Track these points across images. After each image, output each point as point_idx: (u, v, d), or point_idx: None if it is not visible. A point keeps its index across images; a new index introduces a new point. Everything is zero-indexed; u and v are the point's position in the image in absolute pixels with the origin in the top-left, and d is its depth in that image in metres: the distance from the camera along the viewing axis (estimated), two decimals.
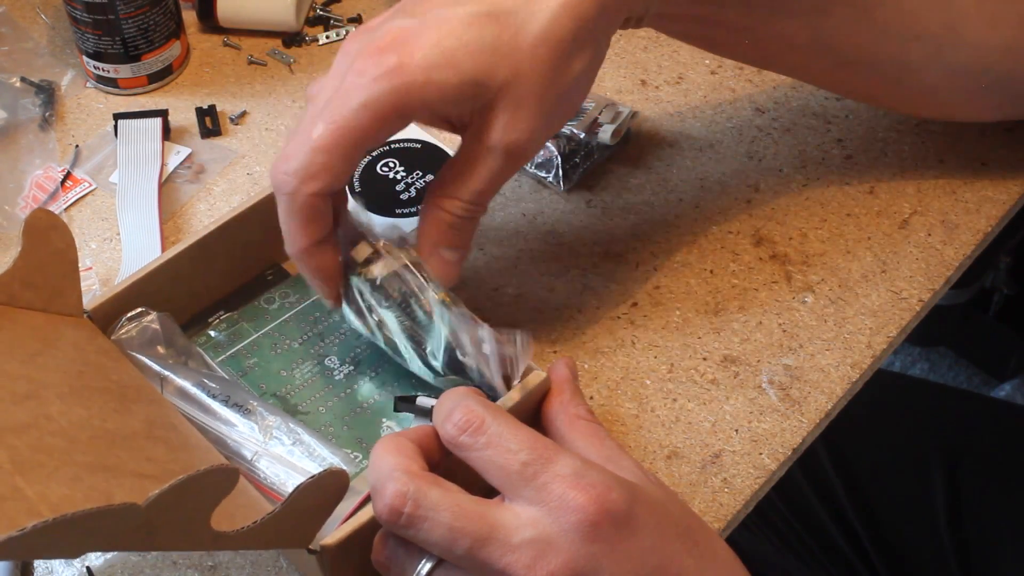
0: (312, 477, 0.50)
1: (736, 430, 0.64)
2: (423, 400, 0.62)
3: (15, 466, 0.47)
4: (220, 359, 0.66)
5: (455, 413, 0.51)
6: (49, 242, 0.60)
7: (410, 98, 0.55)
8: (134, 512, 0.44)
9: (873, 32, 0.65)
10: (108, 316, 0.63)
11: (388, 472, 0.50)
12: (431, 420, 0.61)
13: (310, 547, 0.53)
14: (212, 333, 0.67)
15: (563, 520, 0.47)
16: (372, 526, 0.54)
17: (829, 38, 0.66)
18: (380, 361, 0.66)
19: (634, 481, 0.51)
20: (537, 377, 0.59)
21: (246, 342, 0.67)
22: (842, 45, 0.66)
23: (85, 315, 0.63)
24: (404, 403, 0.63)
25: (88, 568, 0.60)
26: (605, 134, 0.75)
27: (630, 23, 0.62)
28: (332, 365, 0.66)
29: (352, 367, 0.66)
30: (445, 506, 0.49)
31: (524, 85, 0.56)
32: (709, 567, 0.50)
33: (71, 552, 0.44)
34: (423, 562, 0.50)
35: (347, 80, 0.56)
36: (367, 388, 0.65)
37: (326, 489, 0.51)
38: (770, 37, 0.66)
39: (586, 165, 0.75)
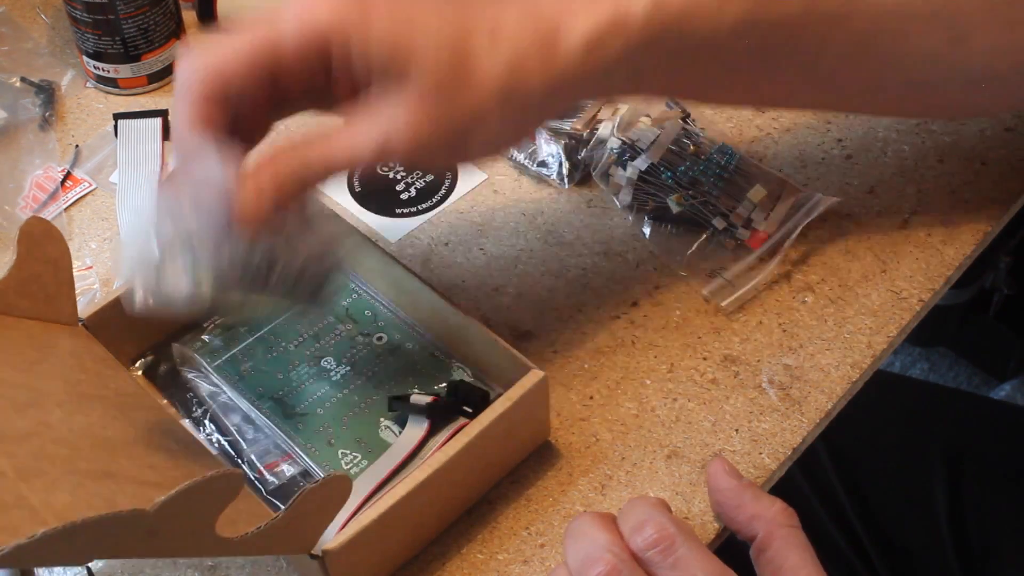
0: (315, 482, 0.50)
1: (736, 430, 0.64)
2: (416, 398, 0.62)
3: (18, 474, 0.47)
4: (216, 363, 0.66)
5: (647, 527, 0.53)
6: (43, 251, 0.60)
7: (338, 34, 0.53)
8: (141, 518, 0.44)
9: (876, 64, 0.63)
10: (102, 324, 0.63)
11: (605, 545, 0.52)
12: (426, 418, 0.62)
13: (312, 552, 0.53)
14: (207, 338, 0.67)
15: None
16: (373, 529, 0.54)
17: (827, 82, 0.64)
18: (376, 361, 0.66)
19: None
20: (535, 376, 0.59)
21: (241, 346, 0.67)
22: (844, 83, 0.64)
23: (80, 324, 0.63)
24: (398, 402, 0.63)
25: (88, 569, 0.60)
26: (605, 131, 0.75)
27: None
28: (328, 366, 0.66)
29: (349, 367, 0.66)
30: None
31: (446, 97, 0.54)
32: None
33: (77, 559, 0.44)
34: None
35: None
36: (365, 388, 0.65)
37: (328, 495, 0.51)
38: (770, 91, 0.65)
39: (588, 163, 0.75)
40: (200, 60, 0.54)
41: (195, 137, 0.54)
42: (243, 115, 0.56)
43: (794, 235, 0.71)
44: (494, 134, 0.56)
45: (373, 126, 0.54)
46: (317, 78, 0.56)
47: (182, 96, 0.54)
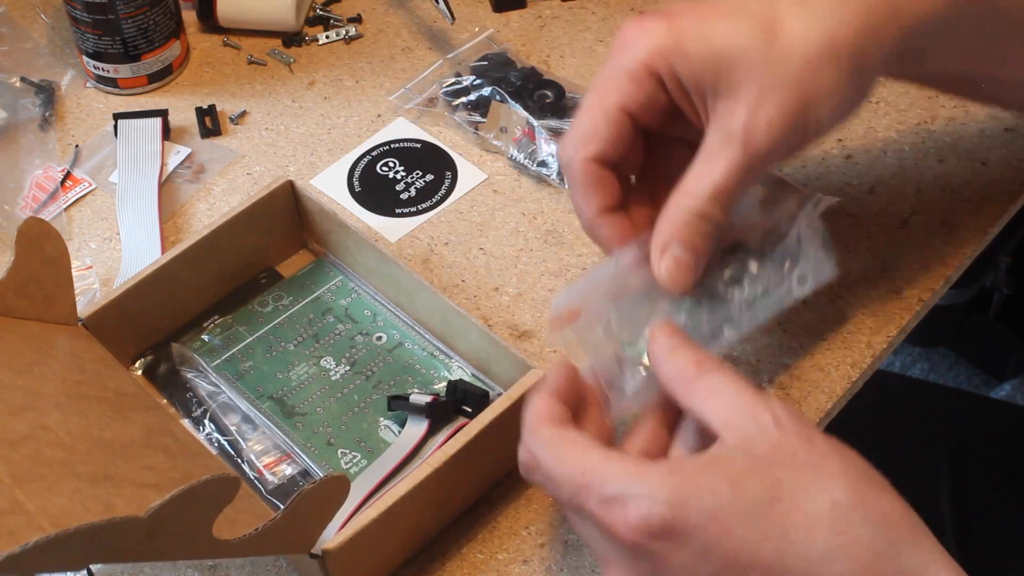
0: (312, 483, 0.50)
1: None
2: (416, 398, 0.62)
3: (14, 479, 0.46)
4: (215, 363, 0.66)
5: (520, 454, 0.53)
6: (42, 251, 0.60)
7: (660, 61, 0.55)
8: (135, 524, 0.43)
9: None
10: (102, 324, 0.63)
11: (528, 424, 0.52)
12: (425, 417, 0.62)
13: (312, 551, 0.53)
14: (206, 338, 0.67)
15: (609, 542, 0.49)
16: (373, 529, 0.54)
17: None
18: (376, 360, 0.66)
19: (707, 469, 0.49)
20: (535, 376, 0.59)
21: (241, 345, 0.67)
22: None
23: (80, 323, 0.63)
24: (398, 402, 0.63)
25: (88, 570, 0.60)
26: None
27: (904, 65, 0.59)
28: (328, 366, 0.66)
29: (348, 367, 0.66)
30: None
31: (775, 73, 0.53)
32: (801, 541, 0.47)
33: (73, 565, 0.44)
34: None
35: (611, 48, 0.57)
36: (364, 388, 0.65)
37: (327, 494, 0.51)
38: None
39: None
40: (574, 154, 0.57)
41: (603, 226, 0.58)
42: (627, 162, 0.59)
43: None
44: (838, 96, 0.55)
45: (728, 141, 0.55)
46: (669, 108, 0.57)
47: (576, 193, 0.58)
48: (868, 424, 0.89)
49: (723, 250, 0.59)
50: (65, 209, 0.77)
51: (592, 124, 0.57)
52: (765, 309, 0.59)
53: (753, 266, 0.59)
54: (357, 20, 0.88)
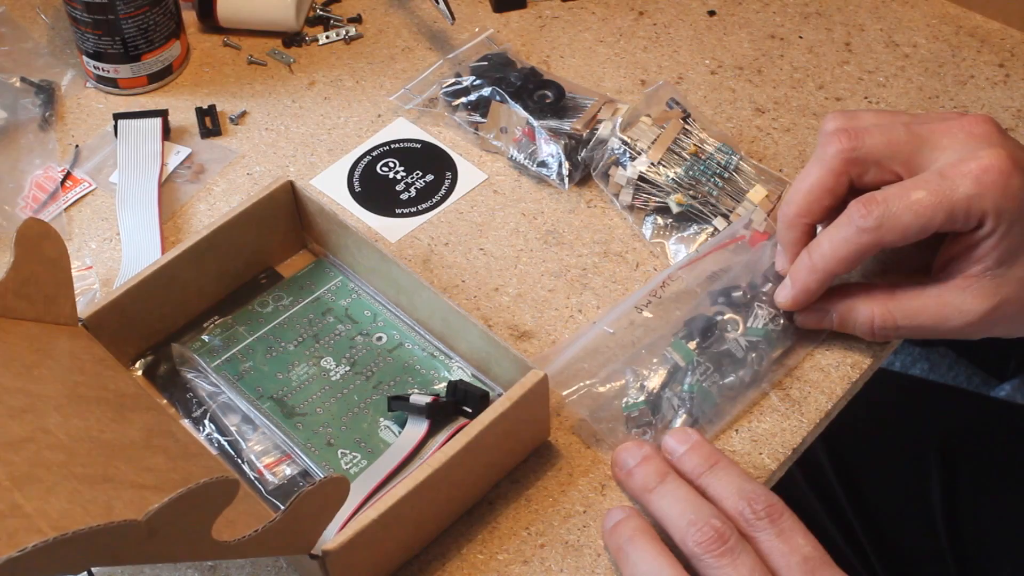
0: (313, 484, 0.50)
1: (736, 430, 0.64)
2: (416, 398, 0.62)
3: (14, 482, 0.46)
4: (215, 363, 0.66)
5: (757, 498, 0.56)
6: (41, 251, 0.60)
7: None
8: (134, 528, 0.43)
9: None
10: (102, 324, 0.63)
11: (711, 513, 0.56)
12: (425, 418, 0.62)
13: (312, 552, 0.53)
14: (206, 338, 0.67)
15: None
16: (373, 529, 0.54)
17: None
18: (376, 361, 0.66)
19: None
20: (535, 376, 0.59)
21: (241, 346, 0.67)
22: None
23: (80, 324, 0.63)
24: (398, 402, 0.63)
25: (89, 571, 0.60)
26: (605, 131, 0.75)
27: None
28: (328, 366, 0.66)
29: (348, 368, 0.66)
30: None
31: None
32: None
33: (72, 569, 0.44)
34: None
35: None
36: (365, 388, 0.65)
37: (327, 496, 0.51)
38: None
39: (588, 163, 0.75)
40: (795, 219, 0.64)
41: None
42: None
43: None
44: None
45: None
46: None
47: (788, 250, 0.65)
48: (862, 420, 0.89)
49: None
50: (65, 209, 0.77)
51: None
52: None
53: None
54: (357, 20, 0.88)
